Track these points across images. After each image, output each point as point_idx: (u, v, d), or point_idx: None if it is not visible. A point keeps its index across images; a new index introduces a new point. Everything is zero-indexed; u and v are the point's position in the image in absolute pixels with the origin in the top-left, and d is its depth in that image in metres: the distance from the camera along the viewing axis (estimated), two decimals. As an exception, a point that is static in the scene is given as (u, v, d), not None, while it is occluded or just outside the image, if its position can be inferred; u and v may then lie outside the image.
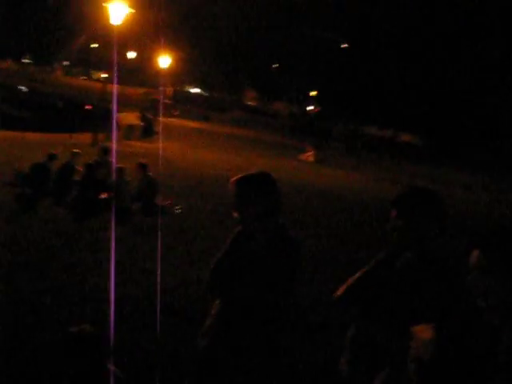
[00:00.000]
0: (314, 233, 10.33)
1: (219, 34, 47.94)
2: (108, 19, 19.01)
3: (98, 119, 24.00)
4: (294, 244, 3.09)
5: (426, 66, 43.67)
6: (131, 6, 19.67)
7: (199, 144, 25.09)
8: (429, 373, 2.05)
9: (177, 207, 11.01)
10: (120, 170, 10.59)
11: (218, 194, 13.67)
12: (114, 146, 15.27)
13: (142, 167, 10.62)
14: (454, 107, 43.42)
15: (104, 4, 19.18)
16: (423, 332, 2.11)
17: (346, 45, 49.67)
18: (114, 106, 20.39)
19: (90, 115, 26.97)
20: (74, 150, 11.66)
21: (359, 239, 10.98)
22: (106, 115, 25.54)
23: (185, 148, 22.92)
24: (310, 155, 27.24)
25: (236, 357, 2.99)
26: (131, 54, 55.05)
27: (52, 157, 11.09)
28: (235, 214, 3.10)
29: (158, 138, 21.44)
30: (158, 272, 7.39)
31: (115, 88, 24.00)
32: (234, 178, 3.12)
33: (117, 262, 7.71)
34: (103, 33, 27.90)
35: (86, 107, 28.87)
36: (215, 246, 9.26)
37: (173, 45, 36.58)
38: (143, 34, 42.56)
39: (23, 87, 51.12)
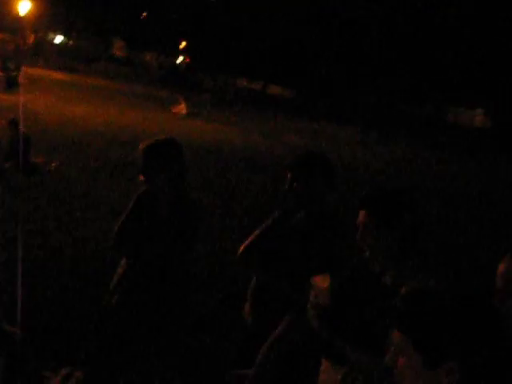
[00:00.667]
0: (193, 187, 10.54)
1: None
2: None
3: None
4: (195, 205, 3.31)
5: (297, 19, 44.41)
6: None
7: (68, 97, 24.03)
8: (327, 317, 2.38)
9: (52, 164, 10.71)
10: (-12, 128, 10.08)
11: (92, 149, 13.38)
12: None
13: (14, 123, 10.16)
14: (323, 60, 44.74)
15: None
16: (321, 282, 2.43)
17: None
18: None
19: None
20: None
21: (237, 191, 11.38)
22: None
23: (53, 101, 21.87)
24: (182, 108, 27.05)
25: (145, 314, 3.18)
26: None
27: None
28: (141, 178, 3.25)
29: (22, 91, 20.32)
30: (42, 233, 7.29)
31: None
32: (143, 145, 3.24)
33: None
34: None
35: None
36: (94, 202, 9.21)
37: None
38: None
39: None
